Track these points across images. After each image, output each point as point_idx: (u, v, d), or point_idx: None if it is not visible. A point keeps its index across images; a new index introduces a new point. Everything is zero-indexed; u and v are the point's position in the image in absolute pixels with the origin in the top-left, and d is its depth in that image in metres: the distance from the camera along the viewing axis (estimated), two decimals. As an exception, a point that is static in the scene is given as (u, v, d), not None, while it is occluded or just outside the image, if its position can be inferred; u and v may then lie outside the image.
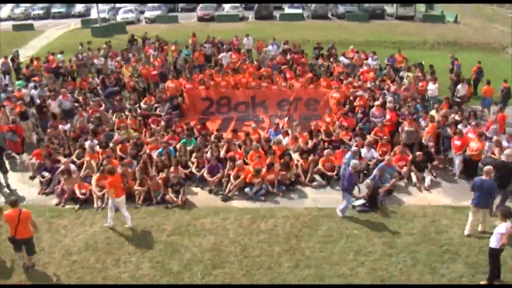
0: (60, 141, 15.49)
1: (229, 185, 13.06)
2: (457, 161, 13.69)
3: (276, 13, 44.05)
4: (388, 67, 21.33)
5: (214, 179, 13.30)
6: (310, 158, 13.81)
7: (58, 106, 17.60)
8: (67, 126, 16.29)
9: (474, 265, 9.78)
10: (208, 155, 14.02)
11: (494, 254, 8.96)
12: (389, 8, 45.28)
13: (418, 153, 13.79)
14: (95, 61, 23.53)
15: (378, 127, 15.13)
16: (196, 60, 24.02)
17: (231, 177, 13.11)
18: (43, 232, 11.11)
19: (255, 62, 22.94)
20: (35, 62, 23.73)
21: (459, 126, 14.62)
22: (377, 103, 16.02)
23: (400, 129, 15.12)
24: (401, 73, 20.68)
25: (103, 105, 18.09)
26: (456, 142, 13.68)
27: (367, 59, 22.64)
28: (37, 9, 50.02)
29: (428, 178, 13.32)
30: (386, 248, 10.41)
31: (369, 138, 14.86)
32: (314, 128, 15.66)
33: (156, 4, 46.75)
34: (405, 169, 13.49)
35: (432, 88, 18.45)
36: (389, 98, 16.70)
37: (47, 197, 13.14)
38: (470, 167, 13.27)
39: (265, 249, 10.47)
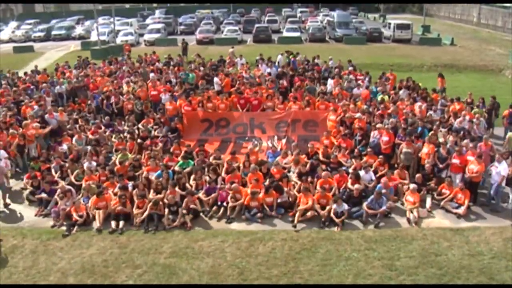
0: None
1: (229, 206, 13.01)
2: (457, 180, 13.58)
3: (275, 37, 44.58)
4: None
5: (208, 198, 13.34)
6: (309, 180, 13.77)
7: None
8: (65, 147, 16.26)
9: (474, 288, 9.71)
10: (207, 178, 14.03)
11: None
12: (386, 31, 45.98)
13: (417, 175, 13.78)
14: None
15: (368, 155, 15.15)
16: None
17: (230, 202, 13.07)
18: (39, 254, 11.00)
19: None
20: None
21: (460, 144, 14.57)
22: (380, 125, 16.00)
23: (398, 151, 15.12)
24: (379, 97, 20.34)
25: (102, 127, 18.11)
26: (455, 161, 13.68)
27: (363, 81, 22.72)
28: (38, 31, 50.72)
29: (428, 200, 13.29)
30: (385, 271, 10.32)
31: (365, 159, 14.92)
32: (311, 150, 15.65)
33: (155, 27, 47.39)
34: (408, 196, 13.31)
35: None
36: (390, 120, 16.65)
37: (44, 218, 13.04)
38: (471, 189, 13.20)
39: (263, 272, 10.36)
